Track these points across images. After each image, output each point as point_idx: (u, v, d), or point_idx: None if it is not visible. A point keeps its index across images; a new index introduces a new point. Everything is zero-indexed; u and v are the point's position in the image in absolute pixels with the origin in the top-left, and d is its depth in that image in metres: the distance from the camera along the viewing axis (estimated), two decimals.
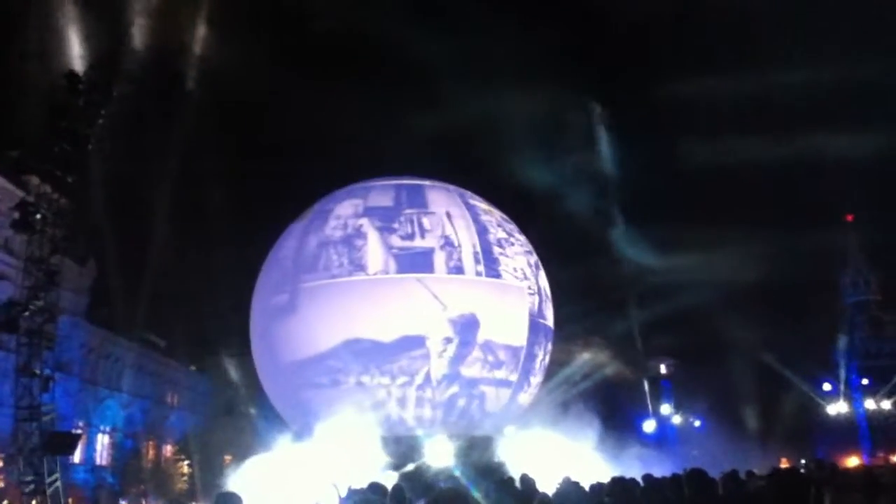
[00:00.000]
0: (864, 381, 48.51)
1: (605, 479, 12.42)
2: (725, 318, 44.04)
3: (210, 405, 51.66)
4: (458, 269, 24.78)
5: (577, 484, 13.00)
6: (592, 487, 13.24)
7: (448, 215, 25.71)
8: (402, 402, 24.12)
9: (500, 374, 25.30)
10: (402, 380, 23.90)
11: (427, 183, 27.33)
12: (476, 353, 24.51)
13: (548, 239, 29.64)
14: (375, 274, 24.36)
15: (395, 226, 25.24)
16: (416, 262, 24.67)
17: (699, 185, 55.99)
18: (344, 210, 25.99)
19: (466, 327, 24.37)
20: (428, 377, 24.05)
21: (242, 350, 31.28)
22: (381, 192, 26.52)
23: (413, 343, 23.92)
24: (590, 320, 38.21)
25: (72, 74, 27.50)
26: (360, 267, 24.49)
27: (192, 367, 53.64)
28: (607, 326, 40.50)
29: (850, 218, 57.17)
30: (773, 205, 52.36)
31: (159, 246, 39.71)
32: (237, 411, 44.34)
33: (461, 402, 24.73)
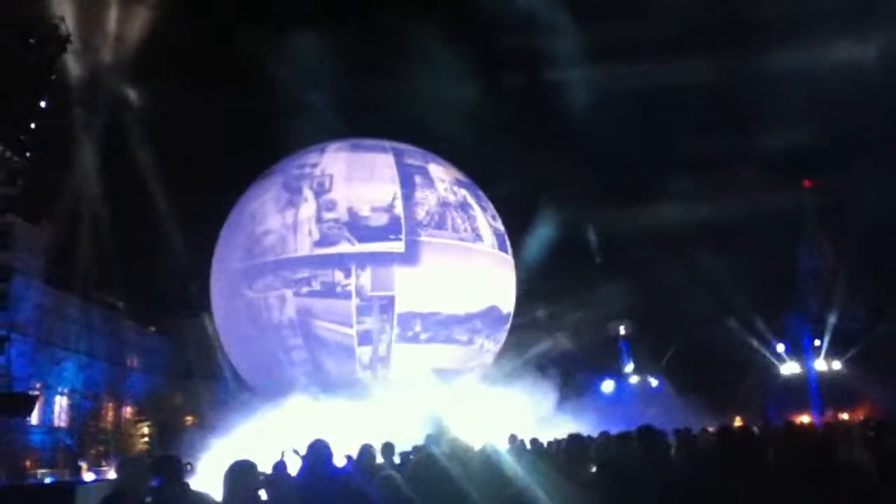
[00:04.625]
0: (817, 343, 49.80)
1: (563, 436, 12.70)
2: (684, 279, 44.77)
3: (169, 367, 51.35)
4: None
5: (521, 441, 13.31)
6: (550, 444, 13.58)
7: None
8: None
9: None
10: (493, 347, 27.55)
11: None
12: None
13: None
14: (490, 247, 26.83)
15: (484, 204, 27.72)
16: (503, 244, 27.84)
17: (653, 139, 56.03)
18: (440, 174, 26.97)
19: None
20: None
21: (202, 310, 31.01)
22: (446, 165, 27.99)
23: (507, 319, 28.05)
24: (547, 283, 38.53)
25: (22, 30, 26.78)
26: (479, 237, 26.42)
27: (152, 329, 53.13)
28: (565, 289, 40.87)
29: (807, 184, 57.99)
30: (731, 166, 52.60)
31: (116, 206, 39.08)
32: (197, 373, 44.14)
33: None
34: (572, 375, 37.14)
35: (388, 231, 24.54)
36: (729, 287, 43.81)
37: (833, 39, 37.55)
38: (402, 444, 12.11)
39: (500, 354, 28.47)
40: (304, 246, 24.37)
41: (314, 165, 26.10)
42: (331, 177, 25.42)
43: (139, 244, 41.84)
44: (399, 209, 24.87)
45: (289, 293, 24.07)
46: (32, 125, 27.14)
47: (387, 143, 27.38)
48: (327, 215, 24.64)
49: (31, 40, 26.27)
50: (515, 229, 30.45)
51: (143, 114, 40.05)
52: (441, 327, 24.92)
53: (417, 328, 24.50)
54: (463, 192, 26.97)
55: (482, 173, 29.38)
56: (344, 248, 24.20)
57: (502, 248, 27.52)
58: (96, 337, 44.85)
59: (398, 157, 26.57)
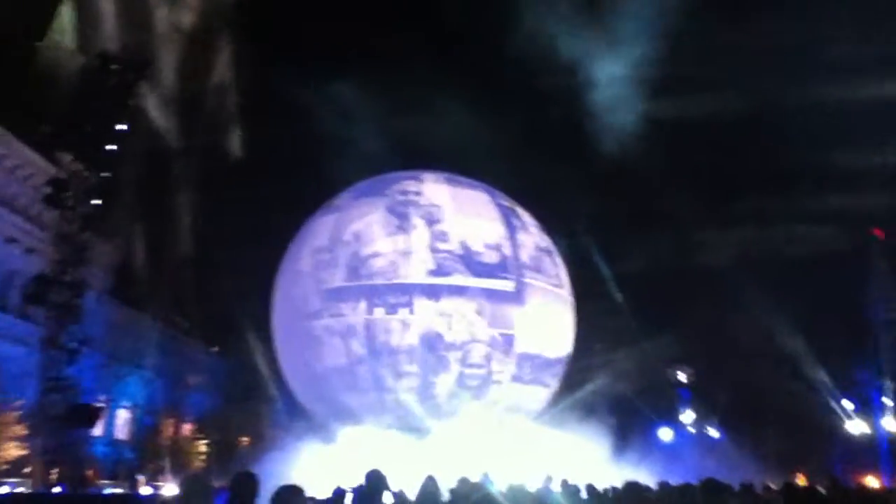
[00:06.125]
0: (888, 402, 47.73)
1: (619, 484, 12.44)
2: (749, 327, 43.66)
3: (229, 387, 52.06)
4: None
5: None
6: (605, 490, 13.29)
7: None
8: None
9: None
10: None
11: None
12: None
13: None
14: (568, 294, 27.29)
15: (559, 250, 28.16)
16: (570, 289, 28.02)
17: (717, 185, 55.06)
18: (528, 218, 27.39)
19: None
20: None
21: (265, 333, 31.29)
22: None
23: None
24: (606, 328, 38.00)
25: (105, 54, 27.94)
26: (561, 283, 27.01)
27: (214, 349, 54.05)
28: (625, 333, 40.23)
29: (878, 233, 55.79)
30: (797, 215, 51.33)
31: (185, 226, 40.19)
32: (255, 395, 44.65)
33: None
34: (628, 421, 36.41)
35: (499, 269, 24.74)
36: (796, 338, 42.61)
37: None
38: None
39: (557, 396, 28.17)
40: (417, 273, 24.28)
41: (417, 193, 25.99)
42: (439, 208, 25.40)
43: (205, 265, 42.87)
44: (507, 248, 25.16)
45: (414, 319, 23.90)
46: (109, 147, 28.10)
47: (476, 181, 27.60)
48: (441, 245, 24.61)
49: (112, 66, 27.32)
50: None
51: (214, 140, 41.35)
52: (540, 370, 25.47)
53: (527, 369, 24.90)
54: (547, 237, 27.45)
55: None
56: (458, 279, 24.24)
57: (571, 293, 27.76)
58: (160, 354, 45.87)
59: (492, 196, 26.84)
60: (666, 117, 43.73)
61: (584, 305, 28.57)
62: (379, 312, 24.03)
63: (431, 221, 24.99)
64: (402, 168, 28.69)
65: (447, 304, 23.90)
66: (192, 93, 38.63)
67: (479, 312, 24.05)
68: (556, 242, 28.17)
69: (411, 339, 23.70)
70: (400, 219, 25.11)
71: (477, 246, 24.73)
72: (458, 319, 23.92)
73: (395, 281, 24.14)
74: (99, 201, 28.56)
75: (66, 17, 48.70)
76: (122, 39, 30.85)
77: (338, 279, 24.85)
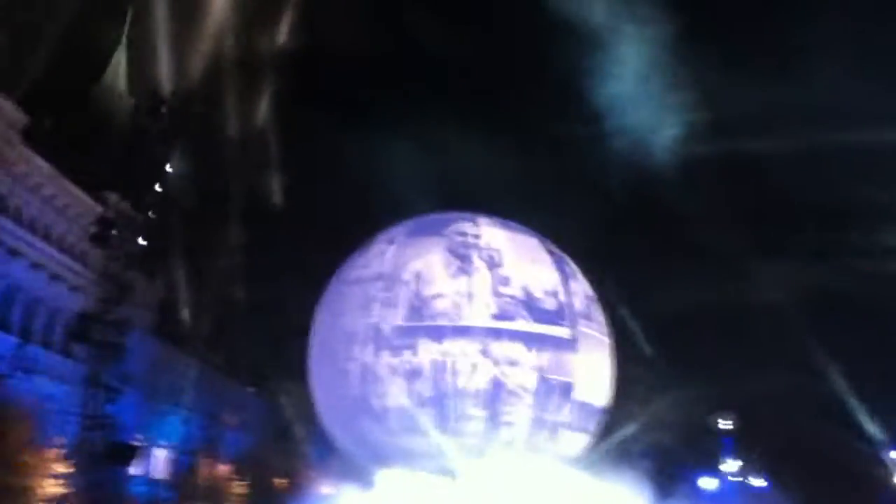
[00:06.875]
0: None
1: None
2: (794, 377, 42.78)
3: (265, 427, 52.05)
4: None
5: None
6: None
7: None
8: None
9: None
10: None
11: None
12: None
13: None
14: (610, 343, 27.10)
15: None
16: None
17: (763, 225, 54.28)
18: (574, 266, 27.23)
19: None
20: None
21: (301, 374, 31.27)
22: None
23: None
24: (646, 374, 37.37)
25: (155, 97, 28.76)
26: (607, 331, 27.00)
27: (251, 389, 54.20)
28: (665, 379, 39.55)
29: None
30: (845, 256, 50.31)
31: (227, 267, 40.69)
32: (291, 436, 44.56)
33: None
34: (669, 469, 35.66)
35: (557, 316, 24.67)
36: (843, 387, 41.57)
37: None
38: None
39: (596, 443, 27.71)
40: (480, 316, 24.11)
41: (476, 236, 25.84)
42: (499, 252, 25.34)
43: (245, 304, 43.26)
44: (562, 296, 25.08)
45: (485, 363, 23.64)
46: (157, 187, 28.75)
47: (525, 227, 27.61)
48: (503, 290, 24.52)
49: (161, 109, 28.06)
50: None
51: (259, 181, 42.02)
52: (588, 417, 25.49)
53: (577, 415, 24.89)
54: (591, 287, 27.29)
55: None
56: (521, 325, 24.11)
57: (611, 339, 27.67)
58: (198, 392, 46.06)
59: (542, 242, 26.85)
60: (707, 155, 43.44)
61: (623, 351, 28.15)
62: (444, 354, 23.77)
63: (492, 265, 24.92)
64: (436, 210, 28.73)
65: (509, 348, 23.76)
66: (238, 134, 39.36)
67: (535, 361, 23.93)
68: (596, 288, 27.87)
69: (479, 382, 23.52)
70: (461, 260, 24.99)
71: (537, 292, 24.66)
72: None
73: (460, 323, 23.99)
74: (144, 241, 29.11)
75: (119, 60, 50.13)
76: (172, 83, 31.57)
77: (399, 318, 24.68)
